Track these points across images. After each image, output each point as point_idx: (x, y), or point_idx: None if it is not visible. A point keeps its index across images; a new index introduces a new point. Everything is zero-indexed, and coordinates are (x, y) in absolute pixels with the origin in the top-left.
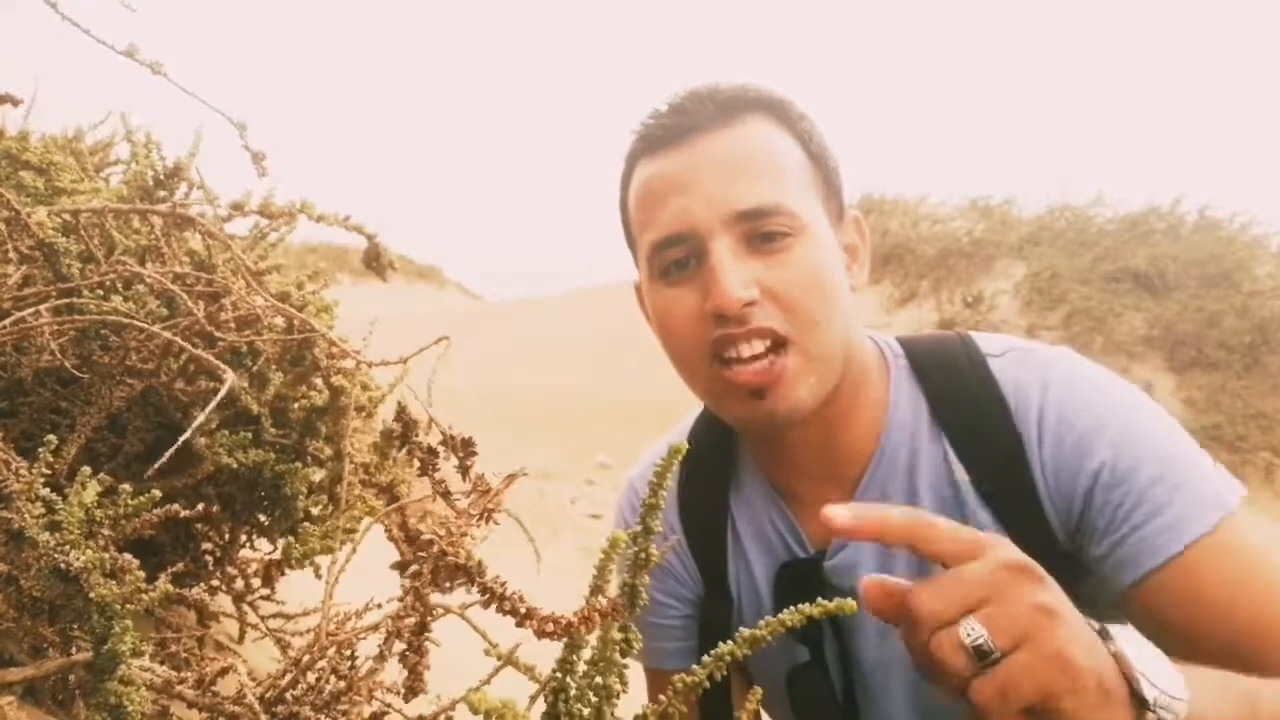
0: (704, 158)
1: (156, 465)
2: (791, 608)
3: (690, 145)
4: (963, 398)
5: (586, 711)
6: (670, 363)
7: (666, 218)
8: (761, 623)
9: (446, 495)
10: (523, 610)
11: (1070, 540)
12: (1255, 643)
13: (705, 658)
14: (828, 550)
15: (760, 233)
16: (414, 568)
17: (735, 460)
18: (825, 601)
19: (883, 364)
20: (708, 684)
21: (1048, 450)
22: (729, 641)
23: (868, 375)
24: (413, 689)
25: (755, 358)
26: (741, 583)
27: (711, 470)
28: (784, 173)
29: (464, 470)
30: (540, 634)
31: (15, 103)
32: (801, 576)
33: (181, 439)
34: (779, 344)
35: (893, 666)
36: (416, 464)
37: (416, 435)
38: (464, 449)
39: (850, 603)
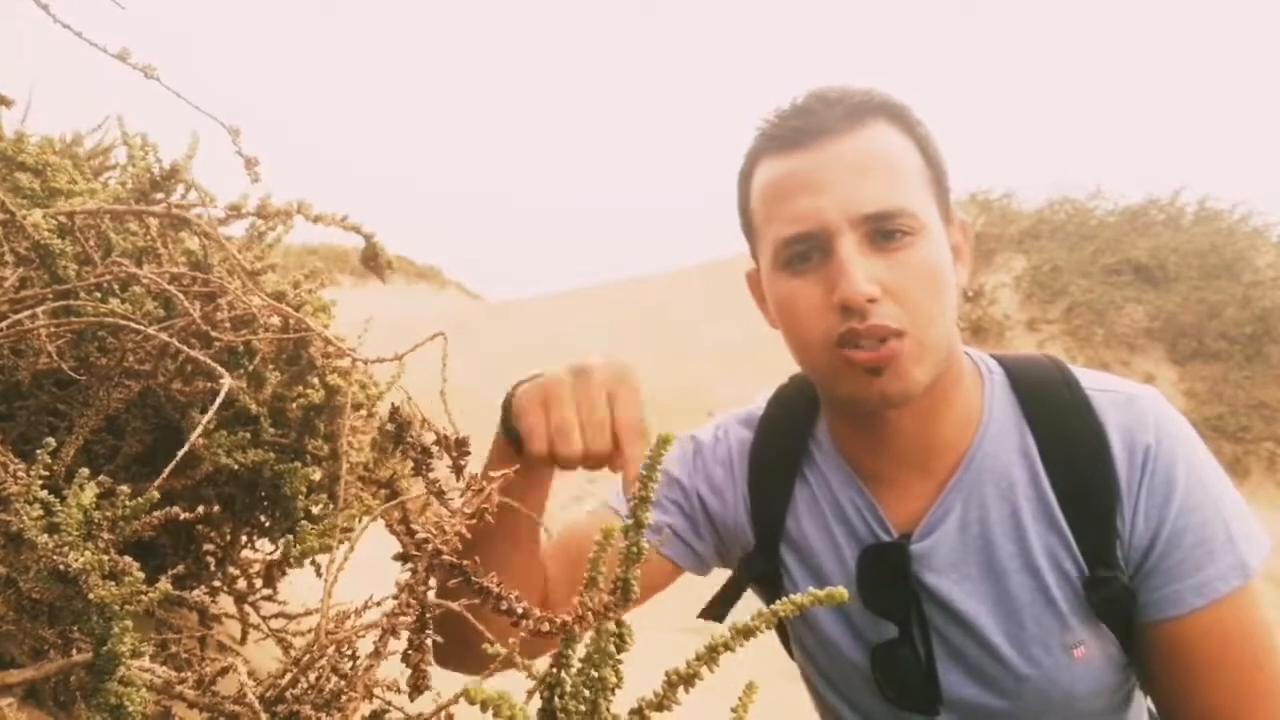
0: (833, 159)
1: (161, 478)
2: (787, 598)
3: (819, 146)
4: (1062, 424)
5: (582, 706)
6: (786, 342)
7: (796, 214)
8: (756, 614)
9: (440, 495)
10: (519, 609)
11: (1127, 575)
12: (1230, 709)
13: (701, 649)
14: (912, 535)
15: (883, 231)
16: (409, 565)
17: (811, 434)
18: (816, 591)
19: (975, 372)
20: (702, 678)
21: (1143, 499)
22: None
23: (963, 377)
24: (417, 686)
25: (872, 346)
26: (804, 548)
27: (787, 435)
28: (905, 176)
29: (457, 470)
30: (535, 633)
31: (8, 104)
32: (885, 560)
33: (185, 448)
34: (892, 337)
35: (950, 654)
36: (411, 464)
37: (410, 435)
38: (458, 449)
39: (841, 591)
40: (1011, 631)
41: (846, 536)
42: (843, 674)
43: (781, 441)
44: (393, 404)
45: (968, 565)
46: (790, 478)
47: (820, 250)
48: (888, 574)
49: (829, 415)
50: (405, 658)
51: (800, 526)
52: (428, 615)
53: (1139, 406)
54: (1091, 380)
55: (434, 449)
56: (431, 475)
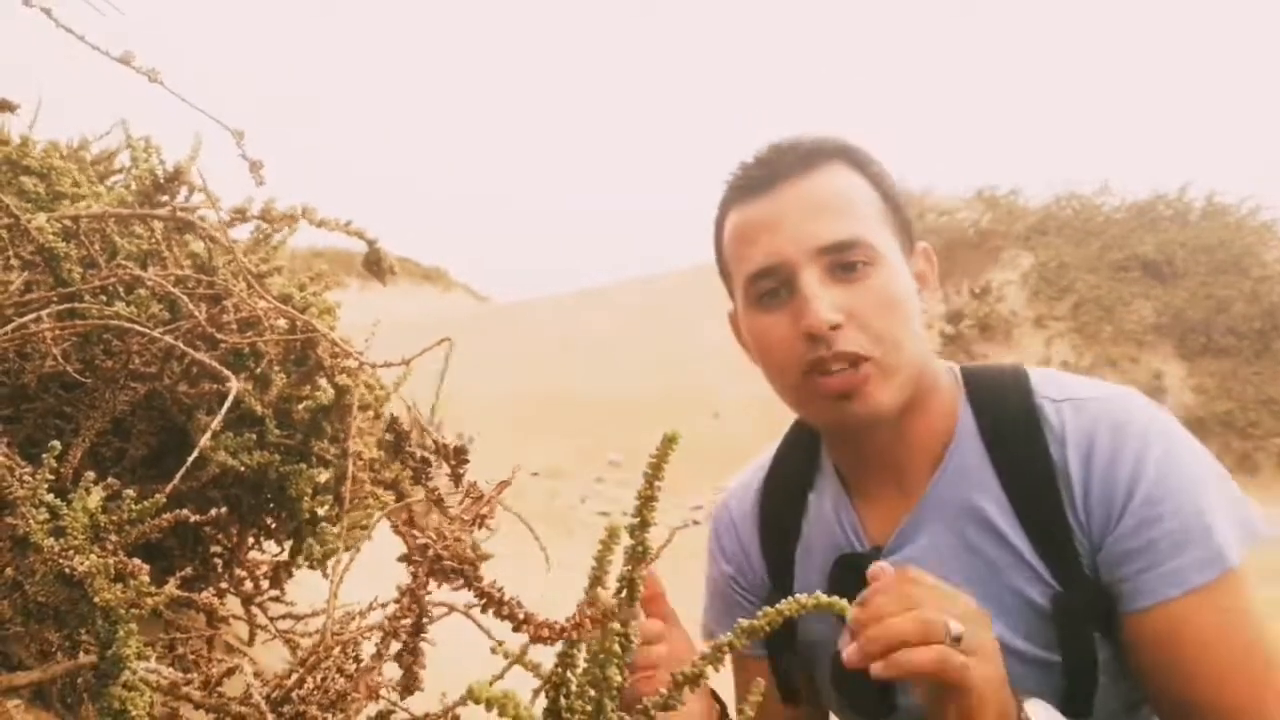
0: (789, 200)
1: (172, 484)
2: (791, 598)
3: (777, 191)
4: (1011, 433)
5: (587, 706)
6: (765, 376)
7: (759, 253)
8: (760, 613)
9: (440, 503)
10: (520, 615)
11: (1094, 570)
12: (1218, 697)
13: (704, 649)
14: (885, 546)
15: (842, 263)
16: (411, 568)
17: (819, 464)
18: (821, 597)
19: (951, 384)
20: (712, 675)
21: (1093, 498)
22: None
23: (937, 392)
24: (408, 687)
25: (841, 371)
26: (806, 580)
27: (794, 476)
28: (860, 210)
29: (456, 478)
30: (536, 639)
31: (11, 108)
32: (857, 569)
33: (195, 453)
34: (860, 362)
35: None
36: (410, 472)
37: (409, 445)
38: (455, 457)
39: (842, 602)
40: (1004, 619)
41: (830, 553)
42: (823, 680)
43: (787, 490)
44: (391, 414)
45: (949, 570)
46: (798, 519)
47: (787, 286)
48: (857, 585)
49: (823, 432)
50: (399, 658)
51: (806, 560)
52: (425, 619)
53: (1091, 410)
54: (1055, 389)
55: (432, 458)
56: (431, 484)
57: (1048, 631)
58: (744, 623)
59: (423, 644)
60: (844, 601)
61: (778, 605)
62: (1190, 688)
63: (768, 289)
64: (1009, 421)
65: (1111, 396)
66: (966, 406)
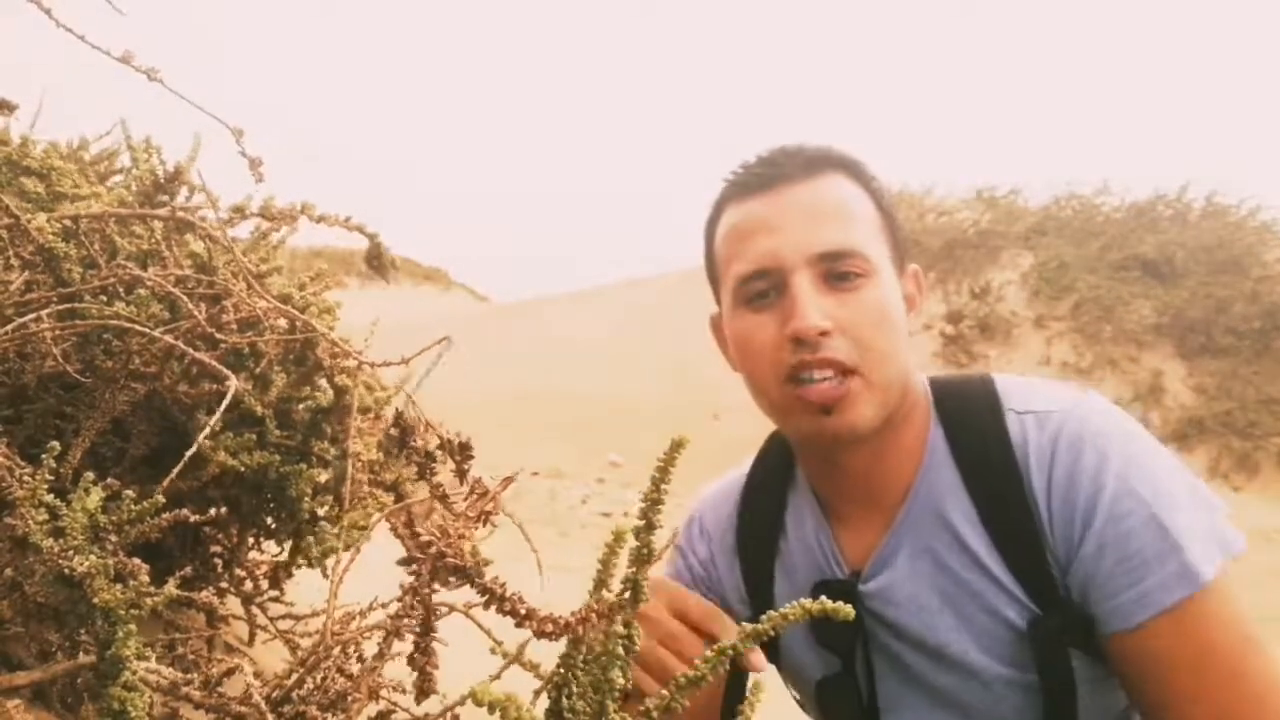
0: (790, 203)
1: (166, 480)
2: (794, 602)
3: (778, 192)
4: (981, 451)
5: (589, 707)
6: (744, 381)
7: (754, 253)
8: (764, 617)
9: (444, 499)
10: (522, 611)
11: (1068, 591)
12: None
13: (707, 652)
14: (863, 572)
15: (836, 272)
16: (414, 566)
17: (794, 482)
18: (826, 602)
19: (924, 401)
20: (710, 680)
21: (1055, 516)
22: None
23: (915, 411)
24: (423, 690)
25: (825, 379)
26: (788, 598)
27: (770, 493)
28: (859, 222)
29: (461, 474)
30: (540, 634)
31: (12, 108)
32: (836, 596)
33: (191, 450)
34: (846, 372)
35: (911, 684)
36: (415, 467)
37: (414, 440)
38: (461, 452)
39: (848, 608)
40: (982, 643)
41: (812, 575)
42: (809, 704)
43: (764, 507)
44: (397, 409)
45: (926, 595)
46: (776, 538)
47: (777, 288)
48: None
49: (798, 451)
50: (411, 661)
51: (786, 579)
52: (434, 618)
53: (1052, 424)
54: (1019, 401)
55: (438, 454)
56: (435, 479)
57: (1026, 653)
58: (747, 626)
59: (435, 644)
60: (849, 607)
61: (782, 610)
62: (1174, 713)
63: (758, 290)
64: (978, 439)
65: (1071, 409)
66: (937, 424)
